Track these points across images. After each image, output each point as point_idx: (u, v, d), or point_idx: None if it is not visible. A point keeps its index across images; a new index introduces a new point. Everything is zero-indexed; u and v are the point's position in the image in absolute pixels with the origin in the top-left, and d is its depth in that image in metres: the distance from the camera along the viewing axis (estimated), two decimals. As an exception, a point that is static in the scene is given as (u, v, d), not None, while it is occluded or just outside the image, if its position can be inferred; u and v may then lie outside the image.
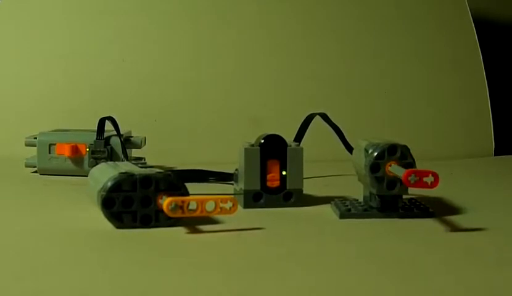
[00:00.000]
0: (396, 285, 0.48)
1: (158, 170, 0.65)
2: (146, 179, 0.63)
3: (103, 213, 0.63)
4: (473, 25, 1.31)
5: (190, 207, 0.61)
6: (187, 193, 0.64)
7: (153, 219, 0.63)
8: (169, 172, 0.64)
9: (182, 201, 0.61)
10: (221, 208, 0.62)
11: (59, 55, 1.23)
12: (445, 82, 1.30)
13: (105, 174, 0.65)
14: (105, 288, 0.46)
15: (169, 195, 0.62)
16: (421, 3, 1.32)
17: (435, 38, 1.31)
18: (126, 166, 0.68)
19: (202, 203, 0.61)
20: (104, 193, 0.62)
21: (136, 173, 0.63)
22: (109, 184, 0.62)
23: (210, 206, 0.61)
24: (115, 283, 0.48)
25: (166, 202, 0.60)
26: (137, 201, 0.63)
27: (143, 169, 0.66)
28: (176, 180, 0.64)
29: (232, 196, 0.63)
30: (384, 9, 1.31)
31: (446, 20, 1.33)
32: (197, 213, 0.61)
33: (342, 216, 0.69)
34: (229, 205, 0.62)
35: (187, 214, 0.61)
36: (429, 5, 1.33)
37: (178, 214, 0.60)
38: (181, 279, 0.49)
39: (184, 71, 1.24)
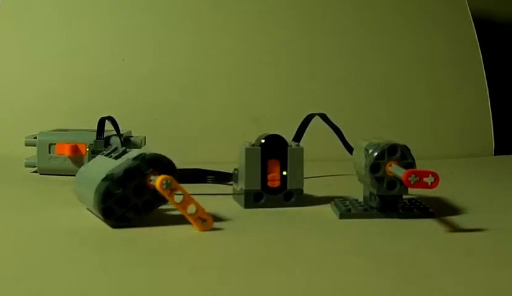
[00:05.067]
0: (396, 285, 0.48)
1: (133, 155, 0.64)
2: (128, 172, 0.63)
3: (108, 223, 0.63)
4: (473, 25, 1.31)
5: (176, 197, 0.61)
6: (171, 164, 0.64)
7: (155, 201, 0.63)
8: (143, 153, 0.64)
9: (175, 185, 0.61)
10: (197, 217, 0.62)
11: (59, 55, 1.23)
12: (445, 82, 1.30)
13: (89, 183, 0.65)
14: (104, 287, 0.47)
15: (157, 172, 0.62)
16: (421, 3, 1.32)
17: (435, 38, 1.31)
18: (103, 164, 0.67)
19: (187, 201, 0.61)
20: (100, 205, 0.62)
21: (114, 173, 0.63)
22: (98, 196, 0.62)
23: (191, 209, 0.62)
24: (114, 282, 0.48)
25: (158, 180, 0.60)
26: (131, 195, 0.63)
27: (118, 161, 0.65)
28: (154, 156, 0.63)
29: (211, 217, 0.63)
30: (384, 9, 1.31)
31: (446, 20, 1.33)
32: (179, 206, 0.61)
33: (342, 216, 0.69)
34: (205, 221, 0.62)
35: (171, 201, 0.61)
36: (429, 5, 1.33)
37: (166, 193, 0.60)
38: (181, 279, 0.49)
39: (184, 71, 1.24)
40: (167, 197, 0.61)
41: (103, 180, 0.62)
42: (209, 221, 0.62)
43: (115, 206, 0.62)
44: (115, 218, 0.63)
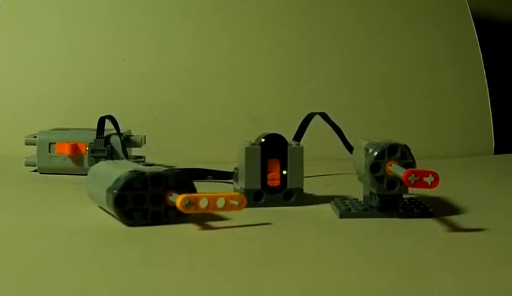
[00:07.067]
0: (395, 285, 0.48)
1: (165, 168, 0.65)
2: (156, 177, 0.63)
3: (115, 211, 0.63)
4: (473, 25, 1.31)
5: (201, 204, 0.61)
6: (194, 190, 0.64)
7: (163, 215, 0.63)
8: (178, 170, 0.65)
9: (195, 199, 0.61)
10: (230, 204, 0.62)
11: (59, 54, 1.23)
12: (445, 81, 1.30)
13: (112, 172, 0.65)
14: (104, 287, 0.46)
15: (179, 192, 0.62)
16: (421, 3, 1.32)
17: (435, 38, 1.31)
18: (130, 165, 0.68)
19: (213, 200, 0.61)
20: (116, 191, 0.62)
21: (146, 171, 0.63)
22: (121, 182, 0.62)
23: (220, 202, 0.62)
24: (114, 282, 0.48)
25: (179, 199, 0.60)
26: (148, 199, 0.63)
27: (148, 167, 0.66)
28: (185, 178, 0.64)
29: (240, 194, 0.64)
30: (384, 9, 1.31)
31: (446, 20, 1.32)
32: (208, 210, 0.61)
33: (342, 215, 0.69)
34: (237, 201, 0.63)
35: (199, 211, 0.61)
36: (429, 5, 1.33)
37: (191, 210, 0.61)
38: (181, 279, 0.49)
39: (184, 70, 1.24)
40: (194, 212, 0.61)
41: (131, 172, 0.63)
42: (242, 199, 0.63)
43: (130, 199, 0.62)
44: (123, 210, 0.62)
